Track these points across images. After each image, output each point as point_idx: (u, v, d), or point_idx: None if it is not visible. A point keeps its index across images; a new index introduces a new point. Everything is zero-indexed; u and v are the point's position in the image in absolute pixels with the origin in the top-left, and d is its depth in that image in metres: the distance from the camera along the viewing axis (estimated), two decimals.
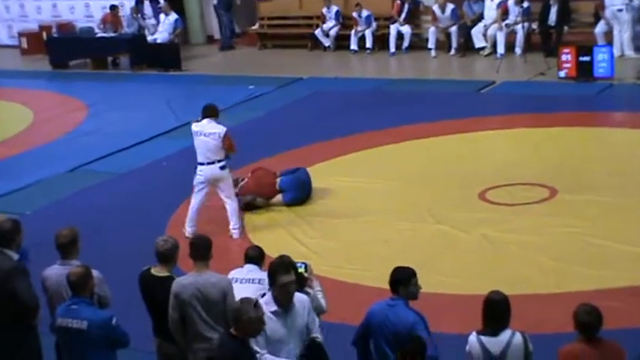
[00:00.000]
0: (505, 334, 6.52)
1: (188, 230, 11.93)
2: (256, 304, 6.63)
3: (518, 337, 6.52)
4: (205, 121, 11.88)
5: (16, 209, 13.03)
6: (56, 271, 7.80)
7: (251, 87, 19.86)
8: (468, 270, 10.44)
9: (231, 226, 11.98)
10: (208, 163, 11.77)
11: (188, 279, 7.54)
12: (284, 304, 7.01)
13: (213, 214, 12.22)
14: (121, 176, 14.83)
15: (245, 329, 6.57)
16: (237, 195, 12.62)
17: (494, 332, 6.54)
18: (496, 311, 6.58)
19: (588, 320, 6.33)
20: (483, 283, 9.44)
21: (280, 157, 14.56)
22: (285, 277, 7.00)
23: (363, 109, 17.48)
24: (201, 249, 7.63)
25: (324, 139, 15.62)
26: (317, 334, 7.18)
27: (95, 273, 7.46)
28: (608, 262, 10.31)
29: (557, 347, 6.48)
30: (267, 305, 6.95)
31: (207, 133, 11.77)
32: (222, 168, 11.77)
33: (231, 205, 11.98)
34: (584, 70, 17.87)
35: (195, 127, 11.94)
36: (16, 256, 7.98)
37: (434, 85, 18.90)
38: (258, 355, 6.82)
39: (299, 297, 7.12)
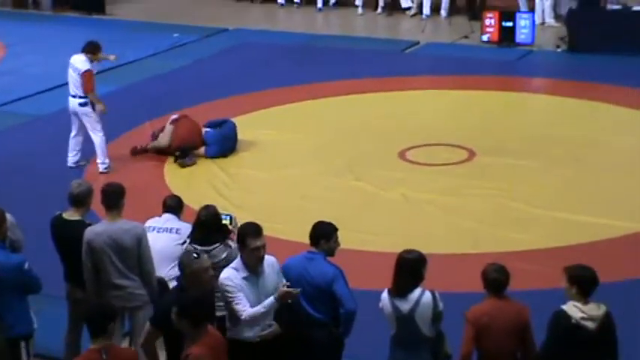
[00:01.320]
0: (415, 293, 6.56)
1: (70, 160, 12.36)
2: (198, 255, 6.58)
3: (427, 296, 6.55)
4: (80, 55, 12.20)
5: None
6: None
7: (176, 35, 19.57)
8: (385, 228, 10.54)
9: (98, 161, 12.28)
10: (72, 96, 12.19)
11: (100, 227, 7.46)
12: (254, 269, 6.77)
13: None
14: (38, 119, 14.54)
15: (193, 282, 6.52)
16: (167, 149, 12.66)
17: (404, 290, 6.57)
18: (406, 270, 6.60)
19: (497, 278, 6.47)
20: (400, 242, 9.54)
21: (204, 107, 14.42)
22: (256, 240, 6.72)
23: (288, 63, 17.39)
24: (113, 197, 7.53)
25: (249, 90, 15.52)
26: None
27: (8, 216, 7.33)
28: (523, 224, 10.52)
29: (471, 306, 6.59)
30: (238, 271, 6.75)
31: (74, 67, 12.16)
32: (81, 105, 12.12)
33: (95, 140, 12.23)
34: (507, 35, 18.09)
35: (71, 58, 12.31)
36: None
37: (359, 42, 18.89)
38: (241, 313, 6.65)
39: (268, 259, 6.86)
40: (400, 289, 6.59)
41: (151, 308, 7.60)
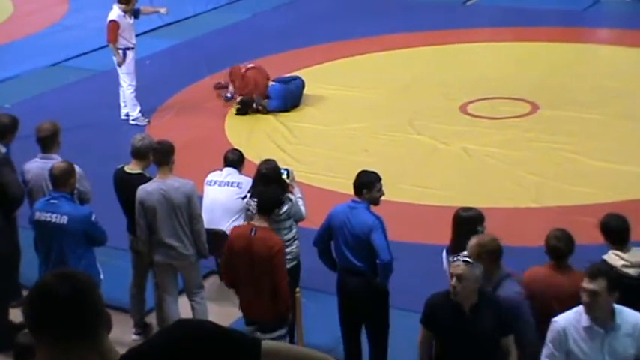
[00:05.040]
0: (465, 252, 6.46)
1: (122, 112, 12.56)
2: (456, 259, 5.77)
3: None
4: (115, 5, 12.33)
5: None
6: (37, 165, 7.80)
7: None
8: (447, 182, 10.48)
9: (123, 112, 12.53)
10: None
11: (152, 185, 7.47)
12: (601, 320, 5.41)
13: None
14: (102, 73, 14.66)
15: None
16: (231, 96, 12.69)
17: (460, 248, 6.31)
18: (462, 227, 6.49)
19: (557, 245, 6.20)
20: (462, 196, 9.54)
21: (263, 61, 14.41)
22: (591, 283, 5.34)
23: (348, 16, 17.27)
24: (163, 154, 7.54)
25: (307, 45, 15.47)
26: None
27: (77, 168, 7.44)
28: (587, 178, 10.38)
29: (533, 261, 6.53)
30: (580, 319, 5.47)
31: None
32: (114, 55, 12.37)
33: (124, 89, 12.49)
34: None
35: None
36: (3, 150, 7.97)
37: None
38: None
39: (631, 315, 5.47)
40: (457, 247, 6.46)
41: (199, 265, 7.71)
